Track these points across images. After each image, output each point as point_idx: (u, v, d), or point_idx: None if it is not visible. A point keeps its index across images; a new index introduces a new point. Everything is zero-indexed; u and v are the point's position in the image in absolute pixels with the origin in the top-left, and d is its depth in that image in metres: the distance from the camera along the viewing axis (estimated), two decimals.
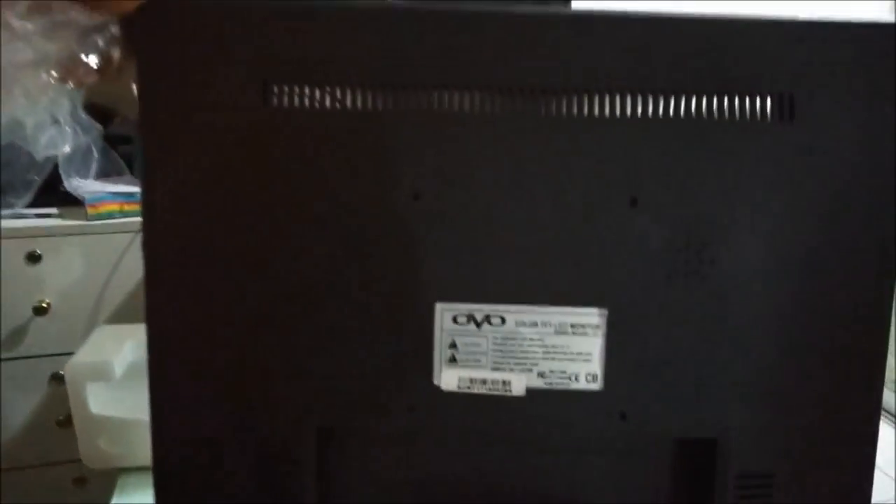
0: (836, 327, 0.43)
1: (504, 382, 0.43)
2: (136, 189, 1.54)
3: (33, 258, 1.50)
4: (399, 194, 0.41)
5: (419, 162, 0.41)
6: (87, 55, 0.43)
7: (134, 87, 0.43)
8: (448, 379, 0.43)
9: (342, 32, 0.40)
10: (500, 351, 0.42)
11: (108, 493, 0.79)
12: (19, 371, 1.57)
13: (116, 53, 0.43)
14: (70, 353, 1.49)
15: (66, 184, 1.45)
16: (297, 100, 0.41)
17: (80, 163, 1.38)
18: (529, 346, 0.42)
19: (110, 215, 1.53)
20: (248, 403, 0.43)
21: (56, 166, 1.42)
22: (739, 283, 0.42)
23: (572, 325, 0.42)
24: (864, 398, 0.44)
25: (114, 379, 0.73)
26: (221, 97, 0.41)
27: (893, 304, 0.44)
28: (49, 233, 1.51)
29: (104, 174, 1.51)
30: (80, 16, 0.41)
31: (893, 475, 0.90)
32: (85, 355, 0.75)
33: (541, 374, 0.43)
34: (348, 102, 0.41)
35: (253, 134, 0.41)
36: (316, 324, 0.42)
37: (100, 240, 1.53)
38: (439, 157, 0.41)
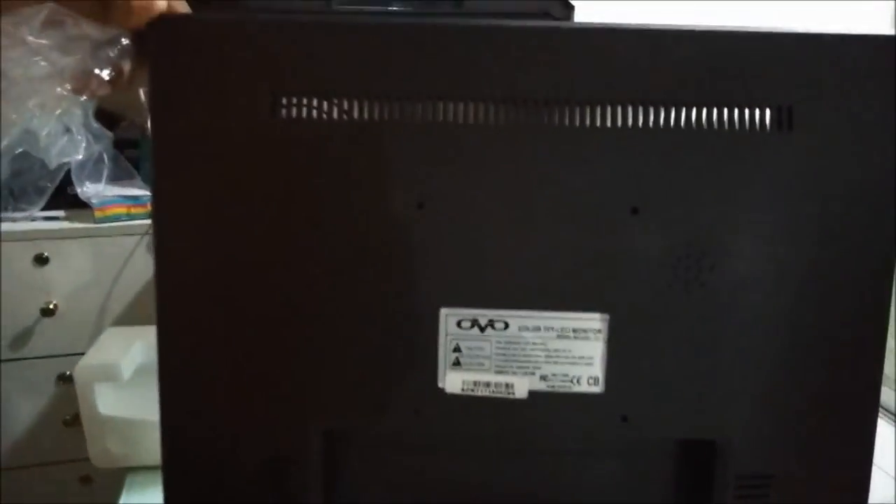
0: (834, 333, 0.44)
1: (507, 385, 0.43)
2: (142, 192, 1.56)
3: (41, 260, 1.51)
4: (404, 203, 0.42)
5: (423, 172, 0.42)
6: (99, 68, 0.44)
7: (142, 93, 0.44)
8: (452, 382, 0.43)
9: (349, 46, 0.41)
10: (504, 355, 0.43)
11: (115, 493, 0.80)
12: (27, 371, 1.58)
13: (127, 65, 0.44)
14: (77, 354, 1.50)
15: (78, 191, 1.47)
16: (304, 111, 0.42)
17: (91, 169, 1.40)
18: (532, 350, 0.43)
19: (117, 218, 1.55)
20: (255, 405, 0.44)
21: (68, 172, 1.44)
22: (739, 289, 0.43)
23: (574, 330, 0.43)
24: (862, 402, 0.45)
25: (122, 380, 0.74)
26: (231, 109, 0.42)
27: (890, 310, 0.44)
28: (56, 235, 1.52)
29: (115, 180, 1.53)
30: (92, 30, 0.42)
31: (894, 475, 0.90)
32: (94, 357, 0.76)
33: (543, 378, 0.43)
34: (355, 114, 0.42)
35: (262, 144, 0.42)
36: (323, 328, 0.43)
37: (107, 242, 1.54)
38: (443, 166, 0.42)
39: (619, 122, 0.42)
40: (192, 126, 0.42)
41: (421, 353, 0.43)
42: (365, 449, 0.46)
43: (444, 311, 0.43)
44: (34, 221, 1.53)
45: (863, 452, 0.45)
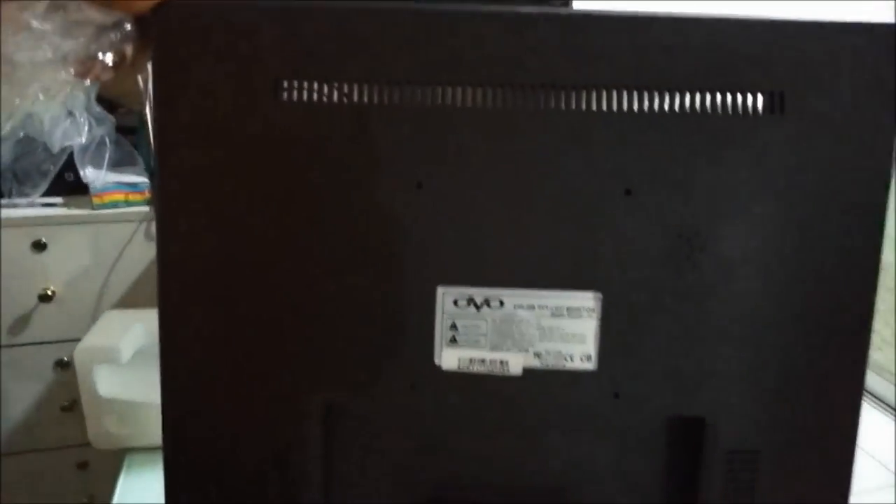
0: (823, 313, 0.45)
1: (502, 362, 0.45)
2: (140, 179, 1.57)
3: (39, 246, 1.52)
4: (402, 183, 0.43)
5: (422, 154, 0.43)
6: (102, 52, 0.45)
7: (140, 80, 0.44)
8: (448, 359, 0.45)
9: (349, 30, 0.42)
10: (499, 332, 0.44)
11: (111, 477, 0.81)
12: (24, 357, 1.59)
13: (130, 50, 0.45)
14: (75, 340, 1.51)
15: (81, 173, 1.47)
16: (305, 95, 0.43)
17: (94, 153, 1.41)
18: (526, 327, 0.44)
19: (115, 205, 1.56)
20: (256, 380, 0.45)
21: (70, 157, 1.44)
22: (729, 269, 0.44)
23: (568, 309, 0.44)
24: (848, 381, 0.46)
25: (121, 362, 0.75)
26: (233, 93, 0.43)
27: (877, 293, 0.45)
28: (55, 222, 1.53)
29: (117, 164, 1.53)
30: (95, 14, 0.43)
31: (893, 469, 0.92)
32: (93, 339, 0.77)
33: (537, 355, 0.45)
34: (355, 97, 0.43)
35: (264, 127, 0.43)
36: (323, 305, 0.44)
37: (104, 229, 1.55)
38: (441, 148, 0.43)
39: (614, 107, 0.43)
40: (194, 109, 0.43)
41: (418, 331, 0.44)
42: (364, 422, 0.47)
43: (440, 290, 0.44)
44: (32, 208, 1.54)
45: (848, 429, 0.46)
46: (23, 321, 1.57)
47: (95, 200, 1.54)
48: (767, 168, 0.43)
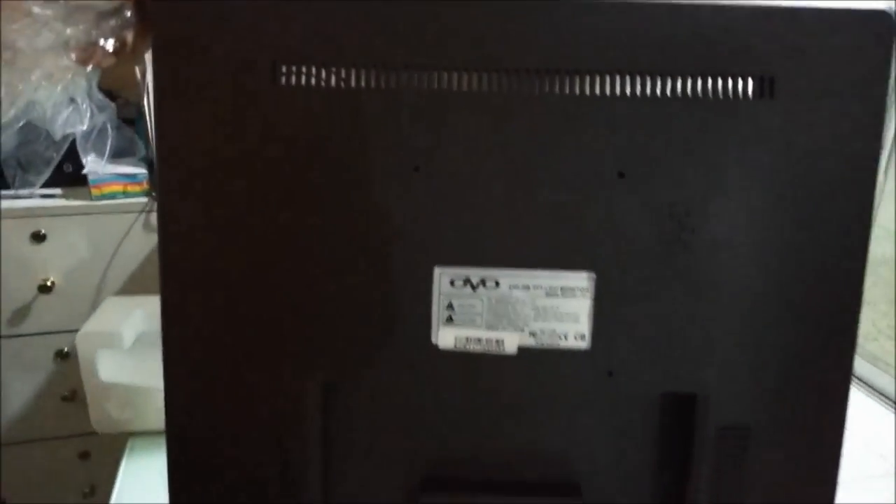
0: (812, 293, 0.46)
1: (497, 341, 0.45)
2: (139, 170, 1.57)
3: (38, 237, 1.53)
4: (400, 167, 0.44)
5: (419, 137, 0.44)
6: (103, 39, 0.45)
7: (138, 72, 0.45)
8: (445, 338, 0.45)
9: (347, 16, 0.43)
10: (494, 312, 0.45)
11: (113, 467, 0.82)
12: (25, 348, 1.60)
13: (130, 36, 0.46)
14: (74, 331, 1.52)
15: (83, 160, 1.48)
16: (304, 79, 0.44)
17: (96, 140, 1.42)
18: (522, 307, 0.45)
19: (113, 196, 1.56)
20: (255, 362, 0.46)
21: (73, 144, 1.45)
22: (720, 250, 0.45)
23: (562, 288, 0.45)
24: (837, 359, 0.47)
25: (123, 347, 0.76)
26: (232, 77, 0.44)
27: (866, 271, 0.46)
28: (53, 213, 1.53)
29: (119, 151, 1.54)
30: (96, 1, 0.44)
31: (893, 462, 0.93)
32: (95, 324, 0.78)
33: (532, 334, 0.45)
34: (352, 81, 0.44)
35: (262, 111, 0.44)
36: (322, 286, 0.45)
37: (103, 220, 1.56)
38: (438, 132, 0.44)
39: (608, 91, 0.44)
40: (193, 95, 0.44)
41: (415, 311, 0.45)
42: (362, 401, 0.48)
43: (437, 270, 0.45)
44: (31, 199, 1.54)
45: (838, 407, 0.47)
46: (22, 312, 1.58)
47: (94, 192, 1.55)
48: (758, 151, 0.44)
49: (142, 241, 1.57)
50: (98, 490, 1.73)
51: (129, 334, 0.76)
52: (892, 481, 0.89)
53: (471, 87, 0.44)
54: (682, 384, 0.46)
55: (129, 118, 1.60)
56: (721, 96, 0.44)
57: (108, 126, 1.39)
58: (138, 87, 1.38)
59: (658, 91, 0.44)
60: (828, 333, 0.46)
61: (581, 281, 0.45)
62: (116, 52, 0.47)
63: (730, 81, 0.44)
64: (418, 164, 0.44)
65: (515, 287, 0.45)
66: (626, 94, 0.44)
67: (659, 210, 0.44)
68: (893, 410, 1.12)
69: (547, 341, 0.46)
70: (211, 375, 0.47)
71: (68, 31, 0.46)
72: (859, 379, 1.28)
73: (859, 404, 1.16)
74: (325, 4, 0.43)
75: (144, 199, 1.56)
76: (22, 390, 1.63)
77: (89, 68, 0.47)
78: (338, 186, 0.44)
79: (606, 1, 0.43)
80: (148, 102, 1.33)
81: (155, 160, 0.46)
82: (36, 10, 0.44)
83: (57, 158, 1.34)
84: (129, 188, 1.56)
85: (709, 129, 0.44)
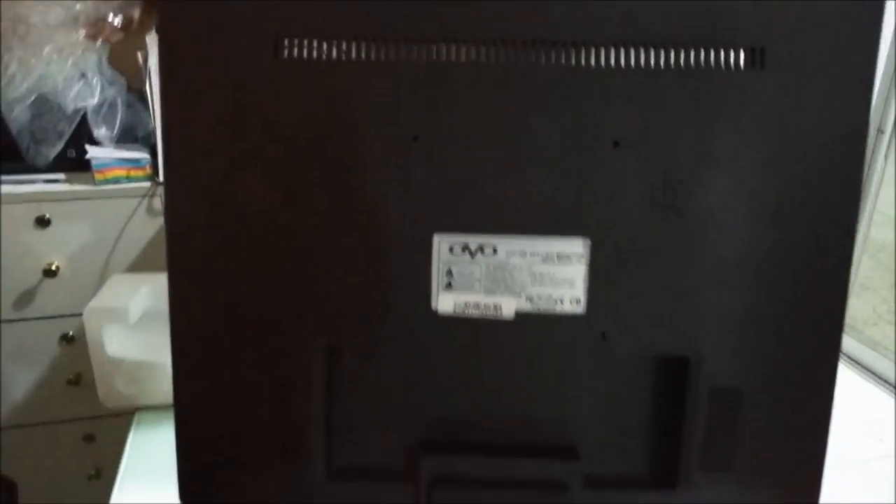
0: (802, 259, 0.47)
1: (495, 306, 0.47)
2: (142, 155, 1.58)
3: (42, 222, 1.54)
4: (400, 136, 0.45)
5: (418, 107, 0.45)
6: (111, 14, 0.47)
7: (140, 56, 0.46)
8: (444, 303, 0.47)
9: None
10: (492, 278, 0.47)
11: (118, 450, 0.84)
12: (30, 332, 1.61)
13: (137, 13, 0.47)
14: (79, 315, 1.53)
15: (94, 133, 1.48)
16: (305, 52, 0.45)
17: (107, 114, 1.42)
18: (519, 273, 0.47)
19: (117, 180, 1.57)
20: (262, 325, 0.47)
21: (84, 117, 1.45)
22: (712, 216, 0.46)
23: (558, 254, 0.46)
24: (827, 324, 0.48)
25: (129, 322, 0.77)
26: (236, 52, 0.45)
27: (856, 239, 0.48)
28: (57, 197, 1.54)
29: (129, 125, 1.54)
30: None
31: (892, 445, 0.93)
32: (101, 300, 0.79)
33: (529, 299, 0.47)
34: (353, 54, 0.45)
35: (265, 84, 0.45)
36: (325, 253, 0.46)
37: (107, 204, 1.57)
38: (437, 102, 0.45)
39: (602, 62, 0.45)
40: (198, 70, 0.45)
41: (415, 277, 0.47)
42: (364, 364, 0.49)
43: (437, 238, 0.46)
44: (35, 184, 1.55)
45: (827, 370, 0.49)
46: (27, 296, 1.59)
47: (97, 176, 1.55)
48: (749, 120, 0.45)
49: (145, 225, 1.58)
50: (103, 473, 1.74)
51: (135, 310, 0.78)
52: (890, 462, 0.90)
53: (468, 59, 0.45)
54: (675, 348, 0.48)
55: (140, 88, 1.60)
56: (713, 67, 0.45)
57: (118, 100, 1.40)
58: (140, 73, 1.39)
59: (651, 62, 0.45)
60: (818, 298, 0.48)
61: (577, 247, 0.46)
62: (124, 27, 0.48)
63: (721, 53, 0.45)
64: (417, 133, 0.45)
65: (513, 253, 0.46)
66: (620, 65, 0.45)
67: (652, 178, 0.45)
68: (893, 395, 1.13)
69: (543, 306, 0.47)
70: (216, 341, 0.48)
71: (78, 6, 0.47)
72: (859, 363, 1.30)
73: (858, 388, 1.17)
74: None
75: (147, 184, 1.57)
76: (27, 374, 1.65)
77: (98, 43, 0.48)
78: (339, 156, 0.45)
79: None
80: (150, 87, 1.34)
81: (159, 134, 0.47)
82: None
83: (69, 132, 1.35)
84: (133, 173, 1.57)
85: (701, 99, 0.45)
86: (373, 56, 0.45)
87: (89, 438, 1.71)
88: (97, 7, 0.46)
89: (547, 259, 0.46)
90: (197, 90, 0.46)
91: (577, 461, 0.50)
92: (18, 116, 1.19)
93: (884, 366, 1.28)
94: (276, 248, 0.47)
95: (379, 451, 0.51)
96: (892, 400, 1.11)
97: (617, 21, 0.45)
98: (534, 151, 0.45)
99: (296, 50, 0.45)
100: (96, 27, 0.45)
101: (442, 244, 0.46)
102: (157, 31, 0.47)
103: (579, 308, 0.47)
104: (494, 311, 0.47)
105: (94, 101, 0.49)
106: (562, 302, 0.47)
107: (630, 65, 0.45)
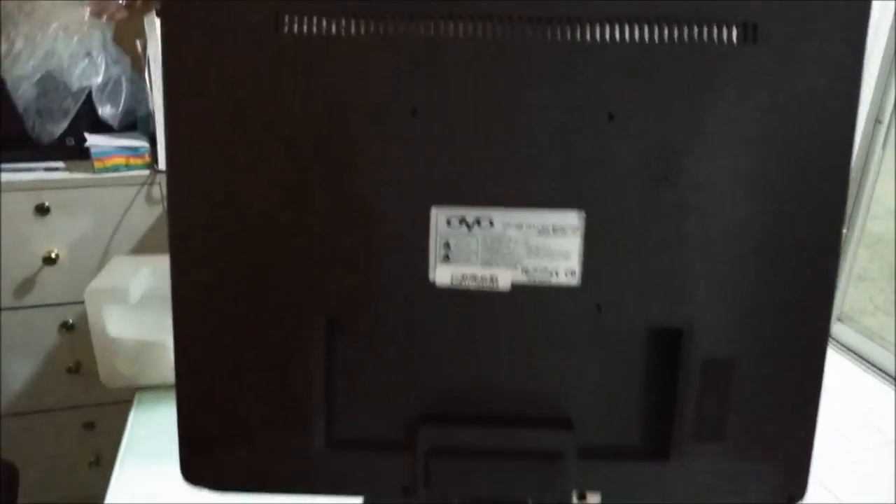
0: (793, 232, 0.48)
1: (492, 278, 0.48)
2: (140, 143, 1.59)
3: (42, 210, 1.55)
4: (398, 111, 0.46)
5: (416, 82, 0.46)
6: None
7: (139, 45, 0.47)
8: (442, 275, 0.48)
9: None
10: (489, 250, 0.47)
11: (118, 437, 0.84)
12: (30, 320, 1.62)
13: None
14: (79, 303, 1.54)
15: (99, 111, 1.49)
16: (305, 28, 0.46)
17: (112, 92, 1.43)
18: (515, 245, 0.47)
19: (116, 169, 1.58)
20: (263, 296, 0.48)
21: (89, 95, 1.46)
22: (705, 189, 0.47)
23: (554, 227, 0.47)
24: (819, 294, 0.49)
25: (130, 303, 0.78)
26: (237, 27, 0.46)
27: (846, 213, 0.48)
28: (57, 185, 1.55)
29: (134, 102, 1.54)
30: None
31: (893, 440, 0.94)
32: (103, 281, 0.80)
33: (525, 271, 0.48)
34: (352, 30, 0.46)
35: (266, 59, 0.46)
36: (325, 226, 0.47)
37: (106, 192, 1.58)
38: (435, 77, 0.46)
39: (598, 37, 0.46)
40: (201, 43, 0.46)
41: (413, 249, 0.47)
42: (363, 336, 0.50)
43: (434, 210, 0.47)
44: (35, 172, 1.56)
45: (818, 342, 0.49)
46: (27, 284, 1.60)
47: (97, 165, 1.56)
48: (742, 95, 0.46)
49: (144, 213, 1.59)
50: (103, 460, 1.76)
51: (135, 290, 0.78)
52: (890, 450, 0.91)
53: (466, 35, 0.46)
54: (669, 319, 0.48)
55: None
56: (706, 42, 0.45)
57: (123, 78, 1.41)
58: (140, 61, 1.39)
59: (646, 37, 0.45)
60: (809, 271, 0.48)
61: (572, 219, 0.47)
62: (128, 5, 0.49)
63: (714, 28, 0.45)
64: (416, 107, 0.46)
65: (509, 226, 0.47)
66: (615, 40, 0.45)
67: (647, 151, 0.46)
68: (892, 384, 1.14)
69: (539, 278, 0.48)
70: (218, 312, 0.49)
71: None
72: (856, 353, 1.31)
73: (855, 378, 1.18)
74: None
75: (146, 172, 1.58)
76: (27, 362, 1.66)
77: (104, 19, 0.49)
78: (339, 130, 0.46)
79: None
80: (149, 74, 1.34)
81: (160, 111, 0.48)
82: None
83: (74, 109, 1.36)
84: (132, 161, 1.58)
85: (694, 74, 0.46)
86: (372, 31, 0.46)
87: (89, 426, 1.72)
88: None
89: (543, 231, 0.47)
90: (200, 65, 0.46)
91: (572, 432, 0.51)
92: (25, 94, 1.20)
93: (880, 355, 1.30)
94: (276, 222, 0.47)
95: (377, 422, 0.52)
96: (890, 389, 1.12)
97: None
98: (530, 125, 0.46)
99: (296, 26, 0.46)
100: (101, 5, 0.46)
101: (439, 217, 0.47)
102: (160, 9, 0.48)
103: (574, 280, 0.48)
104: (491, 283, 0.48)
105: (99, 79, 0.50)
106: (557, 274, 0.47)
107: (625, 40, 0.46)
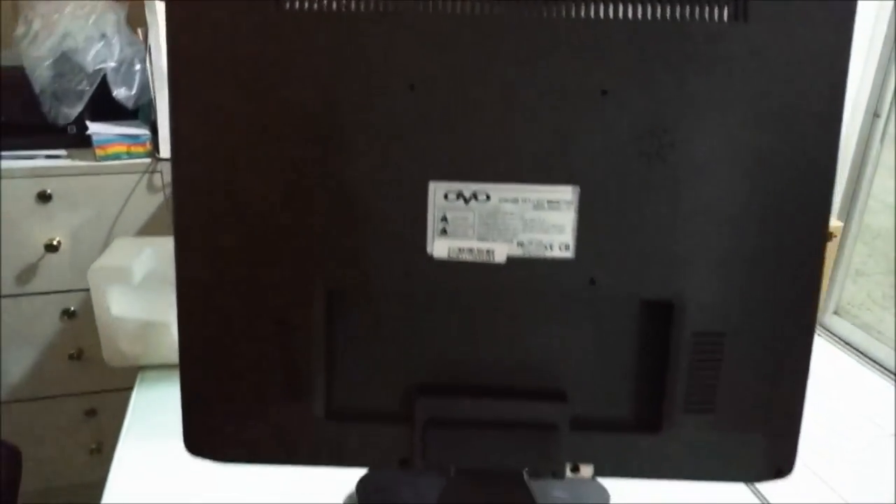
0: (783, 207, 0.49)
1: (488, 251, 0.49)
2: (142, 131, 1.59)
3: (44, 197, 1.55)
4: (397, 86, 0.47)
5: (414, 57, 0.47)
6: None
7: (139, 34, 0.48)
8: (440, 248, 0.49)
9: None
10: (485, 224, 0.49)
11: (119, 424, 0.85)
12: (32, 307, 1.63)
13: None
14: (81, 290, 1.55)
15: (114, 93, 1.51)
16: (307, 4, 0.47)
17: (126, 74, 1.44)
18: (510, 219, 0.48)
19: (117, 156, 1.59)
20: (265, 268, 0.49)
21: (104, 77, 1.47)
22: (696, 165, 0.48)
23: (548, 201, 0.48)
24: (807, 268, 0.50)
25: (133, 283, 0.79)
26: (241, 3, 0.47)
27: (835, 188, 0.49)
28: (59, 173, 1.56)
29: (147, 84, 1.55)
30: None
31: (891, 434, 0.95)
32: (106, 260, 0.81)
33: (520, 244, 0.49)
34: (352, 5, 0.47)
35: (269, 34, 0.47)
36: (326, 199, 0.48)
37: (107, 180, 1.59)
38: (433, 53, 0.47)
39: (592, 14, 0.47)
40: (206, 20, 0.47)
41: (411, 223, 0.49)
42: (362, 307, 0.51)
43: (432, 185, 0.48)
44: (36, 160, 1.57)
45: (806, 315, 0.50)
46: (29, 271, 1.61)
47: (98, 153, 1.57)
48: (733, 72, 0.47)
49: (145, 201, 1.60)
50: (104, 446, 1.77)
51: (138, 270, 0.79)
52: (888, 444, 0.92)
53: (464, 11, 0.47)
54: (660, 292, 0.50)
55: None
56: (697, 20, 0.46)
57: (136, 60, 1.43)
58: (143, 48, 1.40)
59: (639, 15, 0.47)
60: (797, 246, 0.49)
61: (566, 194, 0.48)
62: None
63: (706, 6, 0.46)
64: (414, 83, 0.47)
65: (505, 200, 0.48)
66: (609, 17, 0.47)
67: (639, 126, 0.47)
68: (890, 379, 1.15)
69: (534, 251, 0.49)
70: (221, 284, 0.50)
71: None
72: (854, 347, 1.32)
73: (853, 373, 1.19)
74: None
75: (148, 160, 1.59)
76: (28, 349, 1.67)
77: (118, 2, 0.50)
78: (338, 105, 0.47)
79: None
80: (150, 62, 1.35)
81: (168, 74, 0.49)
82: None
83: (90, 91, 1.38)
84: (133, 149, 1.58)
85: (686, 51, 0.47)
86: (371, 7, 0.47)
87: (91, 413, 1.73)
88: None
89: (538, 205, 0.48)
90: (204, 40, 0.47)
91: (565, 403, 0.52)
92: (41, 77, 1.21)
93: (878, 350, 1.31)
94: (278, 195, 0.48)
95: (377, 393, 0.53)
96: (888, 383, 1.13)
97: None
98: (526, 100, 0.47)
99: (297, 2, 0.47)
100: None
101: (437, 191, 0.48)
102: None
103: (568, 253, 0.49)
104: (487, 256, 0.49)
105: (114, 62, 0.50)
106: (551, 247, 0.49)
107: (618, 17, 0.47)
